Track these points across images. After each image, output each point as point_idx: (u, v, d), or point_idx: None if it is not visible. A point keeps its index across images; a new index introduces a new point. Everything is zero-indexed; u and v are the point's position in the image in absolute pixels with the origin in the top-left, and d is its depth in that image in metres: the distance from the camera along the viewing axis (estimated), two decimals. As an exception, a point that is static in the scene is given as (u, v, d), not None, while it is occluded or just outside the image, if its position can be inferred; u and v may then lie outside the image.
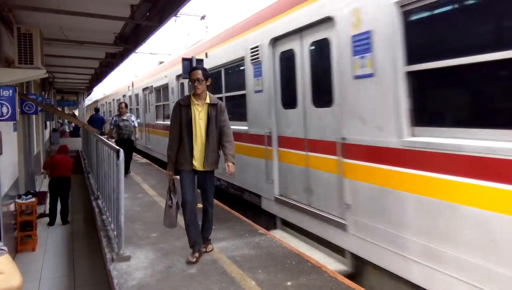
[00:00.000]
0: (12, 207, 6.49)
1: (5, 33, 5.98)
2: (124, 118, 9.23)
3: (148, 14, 6.19)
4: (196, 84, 4.03)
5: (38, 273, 5.84)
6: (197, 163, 4.09)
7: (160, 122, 12.12)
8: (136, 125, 9.49)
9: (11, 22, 5.96)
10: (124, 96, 19.10)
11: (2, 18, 5.73)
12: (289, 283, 3.52)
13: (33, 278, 5.65)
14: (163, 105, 11.80)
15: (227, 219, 5.51)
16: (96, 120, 15.66)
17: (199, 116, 4.08)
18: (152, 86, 12.98)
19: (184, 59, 6.38)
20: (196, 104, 4.09)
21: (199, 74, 4.06)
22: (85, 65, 11.76)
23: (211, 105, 4.12)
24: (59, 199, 8.16)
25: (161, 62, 14.13)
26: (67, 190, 8.29)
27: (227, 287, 3.45)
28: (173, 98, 9.98)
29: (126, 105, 9.55)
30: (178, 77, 9.17)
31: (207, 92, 4.16)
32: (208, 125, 4.06)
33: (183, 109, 4.09)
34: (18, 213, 6.63)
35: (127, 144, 9.07)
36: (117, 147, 4.38)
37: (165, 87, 11.28)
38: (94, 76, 15.36)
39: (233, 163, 4.12)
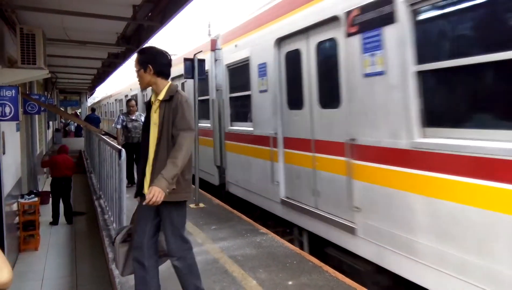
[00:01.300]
0: (15, 206, 6.52)
1: (8, 34, 6.01)
2: (133, 117, 7.93)
3: (150, 14, 6.21)
4: (137, 77, 2.97)
5: (41, 273, 5.86)
6: (146, 187, 2.84)
7: (237, 127, 6.93)
8: None
9: (14, 22, 5.99)
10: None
11: (5, 19, 5.76)
12: (290, 283, 3.53)
13: (36, 277, 5.68)
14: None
15: (228, 219, 5.53)
16: (92, 119, 15.82)
17: (153, 119, 2.88)
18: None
19: (186, 60, 6.37)
20: (152, 102, 2.94)
21: (135, 61, 2.93)
22: (87, 65, 11.80)
23: (165, 102, 2.81)
24: (61, 199, 8.20)
25: None
26: (69, 189, 8.33)
27: (228, 287, 3.47)
28: (256, 84, 5.94)
29: (136, 102, 8.36)
30: (279, 41, 5.25)
31: (169, 82, 2.95)
32: (159, 131, 2.79)
33: (147, 109, 3.03)
34: (21, 212, 6.66)
35: (137, 148, 7.57)
36: (119, 147, 4.40)
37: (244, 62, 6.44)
38: (96, 76, 15.41)
39: (162, 188, 2.53)
